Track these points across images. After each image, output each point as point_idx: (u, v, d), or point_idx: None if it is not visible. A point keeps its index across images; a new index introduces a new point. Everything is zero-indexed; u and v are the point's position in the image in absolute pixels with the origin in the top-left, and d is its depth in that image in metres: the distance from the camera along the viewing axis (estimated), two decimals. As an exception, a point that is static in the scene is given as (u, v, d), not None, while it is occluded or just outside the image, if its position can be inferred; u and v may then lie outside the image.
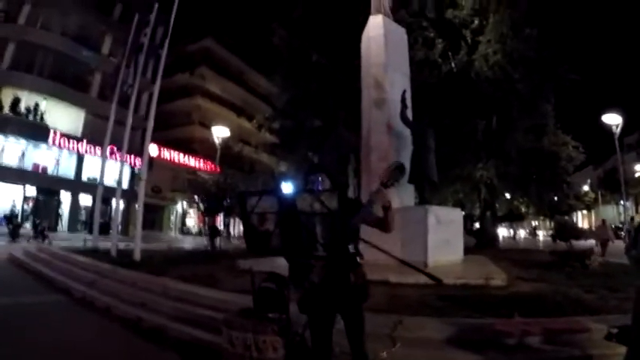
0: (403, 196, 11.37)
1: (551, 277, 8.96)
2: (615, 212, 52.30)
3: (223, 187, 23.44)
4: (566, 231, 16.03)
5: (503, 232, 42.42)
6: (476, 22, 19.57)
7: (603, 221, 19.55)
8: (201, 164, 43.88)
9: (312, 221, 2.64)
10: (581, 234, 16.60)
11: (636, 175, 44.67)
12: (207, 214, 26.78)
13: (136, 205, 14.54)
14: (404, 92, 11.69)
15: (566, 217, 27.54)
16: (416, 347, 4.41)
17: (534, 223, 61.73)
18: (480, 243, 22.12)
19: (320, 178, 3.34)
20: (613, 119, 23.79)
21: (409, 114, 11.77)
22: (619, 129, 23.70)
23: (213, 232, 20.16)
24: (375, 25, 13.10)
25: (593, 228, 36.22)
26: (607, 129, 24.44)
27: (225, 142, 33.10)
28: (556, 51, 19.38)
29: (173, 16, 14.31)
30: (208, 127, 39.34)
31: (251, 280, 3.56)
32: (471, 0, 19.44)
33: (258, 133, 34.44)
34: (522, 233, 66.25)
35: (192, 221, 48.28)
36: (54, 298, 8.39)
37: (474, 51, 19.51)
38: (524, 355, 4.59)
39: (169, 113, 42.87)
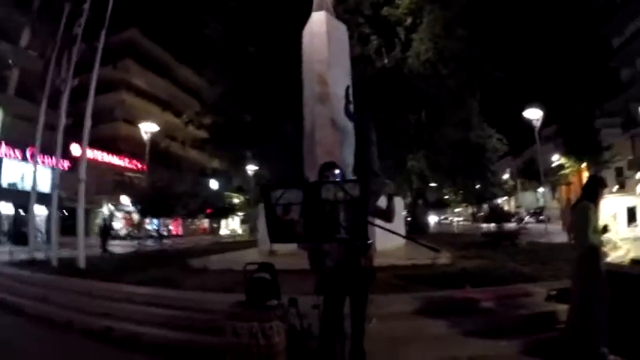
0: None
1: (488, 255, 10.21)
2: (533, 198, 56.64)
3: (160, 187, 23.12)
4: (497, 215, 17.39)
5: (433, 218, 44.56)
6: (409, 20, 20.21)
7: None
8: (127, 163, 42.35)
9: (335, 208, 3.04)
10: (509, 217, 18.04)
11: (553, 164, 48.26)
12: (145, 216, 26.33)
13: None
14: (348, 88, 12.12)
15: (498, 203, 29.63)
16: (390, 320, 5.10)
17: (457, 209, 64.64)
18: (412, 229, 23.27)
19: (337, 172, 3.80)
20: (533, 114, 25.46)
21: (351, 109, 12.26)
22: (539, 123, 25.39)
23: (104, 232, 19.79)
24: (318, 21, 13.31)
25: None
26: (527, 122, 26.14)
27: (152, 139, 31.59)
28: (484, 50, 20.40)
29: (111, 3, 13.89)
30: (133, 124, 37.65)
31: (244, 273, 3.98)
32: (407, 1, 19.98)
33: (185, 129, 33.11)
34: (455, 219, 68.87)
35: (119, 224, 45.85)
36: (7, 321, 7.49)
37: (407, 48, 20.24)
38: (482, 317, 5.52)
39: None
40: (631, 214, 4.95)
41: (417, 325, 5.29)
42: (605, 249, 4.90)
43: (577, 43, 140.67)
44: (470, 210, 62.48)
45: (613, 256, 5.14)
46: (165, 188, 23.06)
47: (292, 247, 9.19)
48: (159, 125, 32.45)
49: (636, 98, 43.68)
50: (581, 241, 4.67)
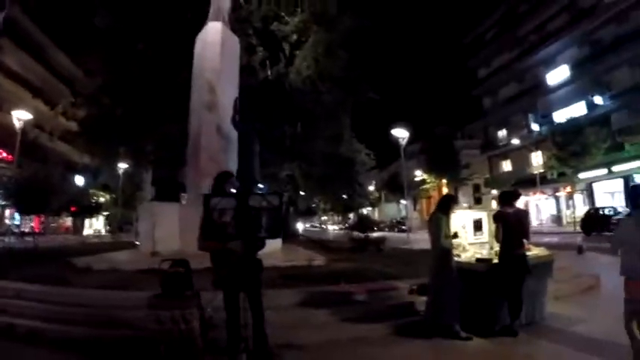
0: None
1: (357, 258, 11.39)
2: (396, 209, 61.11)
3: (35, 180, 21.73)
4: (365, 223, 18.91)
5: (302, 225, 46.21)
6: (295, 37, 21.20)
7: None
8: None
9: (259, 214, 3.82)
10: (375, 226, 19.62)
11: (415, 179, 52.72)
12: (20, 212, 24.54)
13: None
14: (236, 99, 12.75)
15: (365, 212, 31.82)
16: (280, 311, 5.81)
17: (324, 217, 67.26)
18: (285, 235, 24.21)
19: (233, 180, 4.53)
20: (400, 132, 27.65)
21: (237, 119, 12.84)
22: (404, 141, 27.68)
23: None
24: (213, 31, 13.66)
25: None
26: (393, 139, 28.34)
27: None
28: (361, 72, 22.00)
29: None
30: (1, 108, 34.37)
31: (159, 268, 4.56)
32: (296, 19, 20.94)
33: (54, 119, 31.27)
34: (329, 227, 70.77)
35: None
36: None
37: (290, 63, 21.19)
38: (357, 307, 6.54)
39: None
40: (477, 225, 6.12)
41: (304, 315, 6.12)
42: (455, 251, 6.13)
43: (445, 71, 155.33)
44: (337, 218, 65.67)
45: (463, 257, 6.37)
46: (39, 182, 21.64)
47: (174, 248, 9.63)
48: (29, 112, 29.44)
49: (495, 124, 49.59)
50: (435, 245, 5.88)
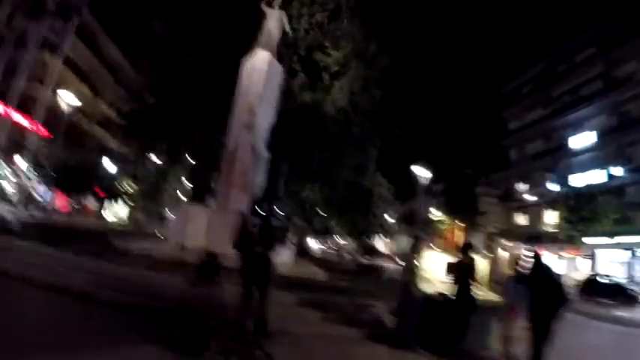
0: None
1: (356, 280, 13.29)
2: (409, 243, 62.07)
3: (79, 161, 23.13)
4: (370, 252, 20.47)
5: (317, 245, 47.49)
6: (335, 69, 22.64)
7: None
8: (31, 125, 39.97)
9: (274, 229, 5.60)
10: (378, 254, 21.12)
11: (433, 217, 54.12)
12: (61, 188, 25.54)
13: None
14: (273, 124, 14.45)
15: (372, 241, 33.01)
16: (283, 306, 7.52)
17: (342, 242, 68.37)
18: (298, 252, 25.75)
19: (264, 205, 6.36)
20: (421, 171, 29.10)
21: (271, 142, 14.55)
22: (427, 181, 29.10)
23: None
24: (261, 59, 15.45)
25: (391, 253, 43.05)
26: (415, 176, 29.73)
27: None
28: (392, 110, 23.65)
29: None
30: (49, 87, 36.03)
31: (199, 258, 6.29)
32: (339, 54, 22.35)
33: (95, 104, 32.47)
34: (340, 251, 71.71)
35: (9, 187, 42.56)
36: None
37: (327, 92, 22.68)
38: (341, 314, 8.31)
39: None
40: (450, 267, 7.41)
41: (299, 312, 7.96)
42: (427, 283, 7.78)
43: (479, 118, 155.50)
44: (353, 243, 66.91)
45: (431, 290, 7.97)
46: (82, 163, 23.18)
47: (200, 245, 11.23)
48: (74, 95, 30.67)
49: (517, 177, 50.27)
50: (401, 278, 7.70)
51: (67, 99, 26.58)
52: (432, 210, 54.93)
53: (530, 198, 43.46)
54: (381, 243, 70.10)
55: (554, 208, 38.46)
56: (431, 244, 8.09)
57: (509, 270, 7.86)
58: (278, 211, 13.16)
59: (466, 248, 7.97)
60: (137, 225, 35.50)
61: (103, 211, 49.52)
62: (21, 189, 36.35)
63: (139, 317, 6.60)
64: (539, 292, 6.78)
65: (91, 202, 48.00)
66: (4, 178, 36.73)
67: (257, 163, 14.57)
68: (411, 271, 7.48)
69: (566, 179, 38.36)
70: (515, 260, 8.03)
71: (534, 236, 41.76)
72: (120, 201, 49.05)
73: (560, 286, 7.21)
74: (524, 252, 7.40)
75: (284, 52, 20.32)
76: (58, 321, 6.12)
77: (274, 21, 16.69)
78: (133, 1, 25.51)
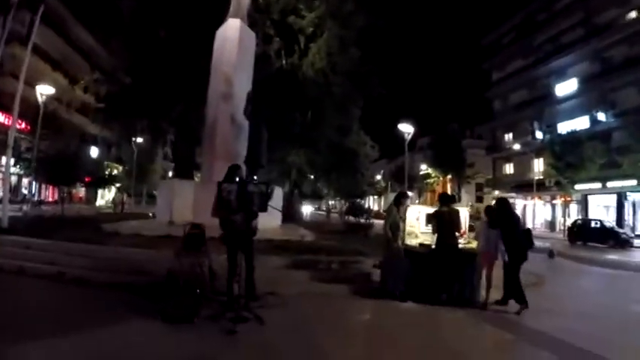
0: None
1: (343, 239, 13.27)
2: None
3: (63, 153, 22.98)
4: (356, 210, 20.63)
5: (308, 208, 47.73)
6: (311, 30, 22.20)
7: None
8: (9, 121, 38.97)
9: (252, 195, 5.67)
10: (366, 213, 21.26)
11: (421, 172, 54.50)
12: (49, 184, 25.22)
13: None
14: (250, 92, 14.23)
15: (359, 200, 33.15)
16: (270, 270, 7.69)
17: (331, 202, 69.10)
18: (287, 216, 25.89)
19: (240, 172, 6.37)
20: (406, 127, 29.17)
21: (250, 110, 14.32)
22: (409, 137, 29.24)
23: None
24: (232, 28, 15.03)
25: (382, 211, 43.41)
26: (401, 134, 29.81)
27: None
28: (372, 67, 23.41)
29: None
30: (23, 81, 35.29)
31: (183, 229, 6.32)
32: (313, 14, 21.89)
33: (71, 92, 32.27)
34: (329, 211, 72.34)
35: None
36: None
37: (304, 55, 22.30)
38: (327, 272, 8.45)
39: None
40: (428, 217, 7.45)
41: (287, 274, 8.05)
42: (408, 237, 7.94)
43: (460, 71, 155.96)
44: (342, 203, 67.38)
45: (413, 242, 8.08)
46: (64, 153, 23.02)
47: (188, 219, 11.28)
48: (49, 85, 30.13)
49: (503, 127, 50.74)
50: (384, 231, 7.83)
51: (42, 89, 25.96)
52: (421, 165, 55.54)
53: (517, 147, 43.90)
54: (373, 202, 71.05)
55: (542, 157, 38.88)
56: (410, 197, 8.26)
57: (484, 217, 8.02)
58: (256, 177, 13.03)
59: (443, 198, 8.17)
60: (123, 206, 35.11)
61: (91, 197, 49.61)
62: (5, 184, 35.94)
63: (130, 294, 6.85)
64: (510, 235, 7.30)
65: (78, 190, 47.94)
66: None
67: (238, 133, 14.42)
68: (393, 224, 7.63)
69: (551, 127, 38.61)
70: (486, 207, 8.34)
71: (522, 185, 42.45)
72: (109, 185, 49.04)
73: (528, 230, 8.06)
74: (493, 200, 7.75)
75: (257, 18, 19.99)
76: (52, 307, 6.34)
77: (244, -13, 16.24)
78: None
